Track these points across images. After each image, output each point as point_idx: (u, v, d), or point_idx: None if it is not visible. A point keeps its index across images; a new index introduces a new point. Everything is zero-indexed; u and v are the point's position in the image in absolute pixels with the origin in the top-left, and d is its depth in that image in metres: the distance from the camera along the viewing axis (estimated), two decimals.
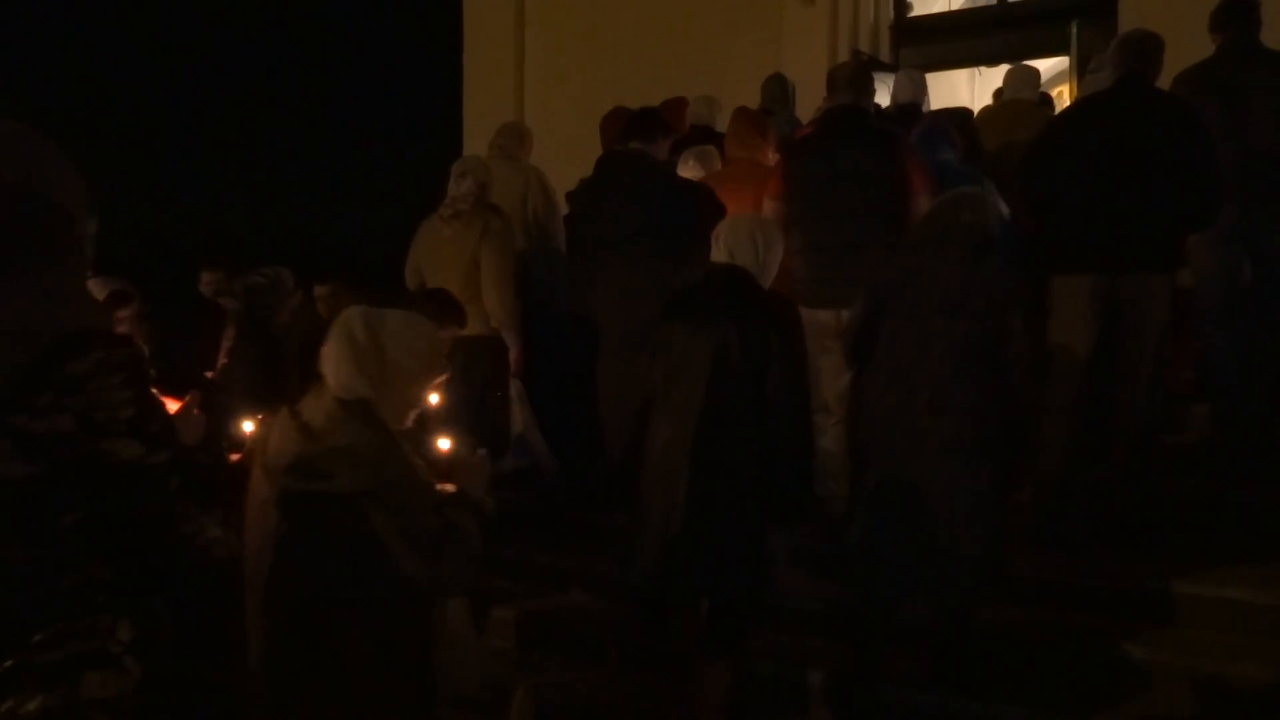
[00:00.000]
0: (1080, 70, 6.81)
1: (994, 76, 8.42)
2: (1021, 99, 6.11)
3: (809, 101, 6.92)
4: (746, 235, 3.62)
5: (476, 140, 10.31)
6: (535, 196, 5.55)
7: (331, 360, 2.37)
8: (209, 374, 4.60)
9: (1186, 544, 4.23)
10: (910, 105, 5.88)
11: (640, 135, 4.94)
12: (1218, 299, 4.71)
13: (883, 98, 7.98)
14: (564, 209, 5.61)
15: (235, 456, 3.15)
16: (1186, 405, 5.08)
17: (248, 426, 3.47)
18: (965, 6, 9.26)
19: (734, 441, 3.37)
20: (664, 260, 4.49)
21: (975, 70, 9.35)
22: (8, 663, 1.50)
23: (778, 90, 6.40)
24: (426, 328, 2.43)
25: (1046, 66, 9.23)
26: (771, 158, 4.98)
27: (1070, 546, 4.25)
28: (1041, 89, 6.85)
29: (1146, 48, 4.41)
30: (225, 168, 23.06)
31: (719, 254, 3.63)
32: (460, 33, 10.71)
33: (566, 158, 6.99)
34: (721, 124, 6.00)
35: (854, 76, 4.82)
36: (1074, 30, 7.24)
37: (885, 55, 8.78)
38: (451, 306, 4.20)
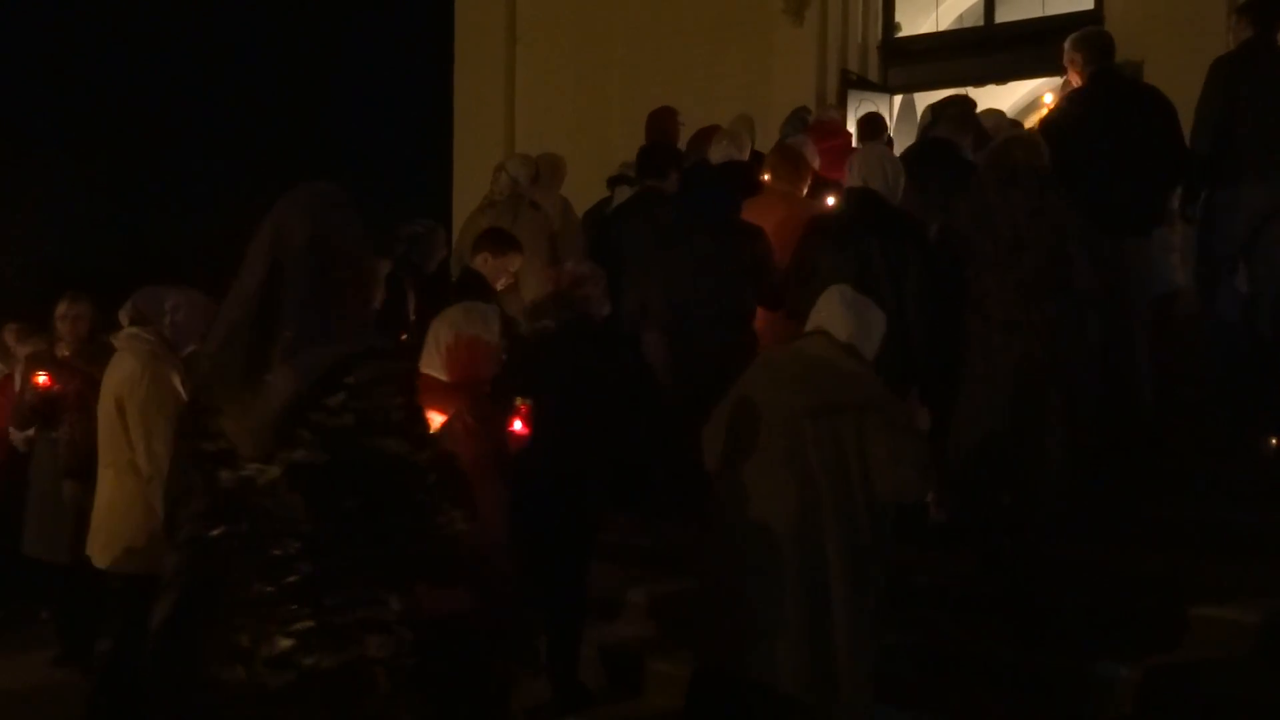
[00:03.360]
0: None
1: (981, 97, 8.47)
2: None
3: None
4: (877, 163, 4.21)
5: (467, 158, 10.34)
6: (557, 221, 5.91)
7: (833, 316, 3.24)
8: None
9: (1175, 564, 4.23)
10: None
11: (651, 173, 5.43)
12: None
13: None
14: None
15: None
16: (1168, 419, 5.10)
17: None
18: (952, 28, 9.34)
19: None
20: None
21: (963, 91, 9.42)
22: (309, 623, 1.84)
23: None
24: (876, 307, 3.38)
25: (1032, 87, 9.32)
26: (804, 190, 5.31)
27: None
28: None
29: (1107, 44, 4.96)
30: (213, 182, 23.07)
31: (854, 180, 4.20)
32: (451, 51, 10.75)
33: None
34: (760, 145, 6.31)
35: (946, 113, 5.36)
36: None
37: (873, 75, 8.84)
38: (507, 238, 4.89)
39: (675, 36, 9.13)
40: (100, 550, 4.04)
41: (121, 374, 3.98)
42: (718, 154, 5.62)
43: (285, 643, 1.85)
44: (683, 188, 5.22)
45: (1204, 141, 4.86)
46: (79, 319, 5.24)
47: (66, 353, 5.25)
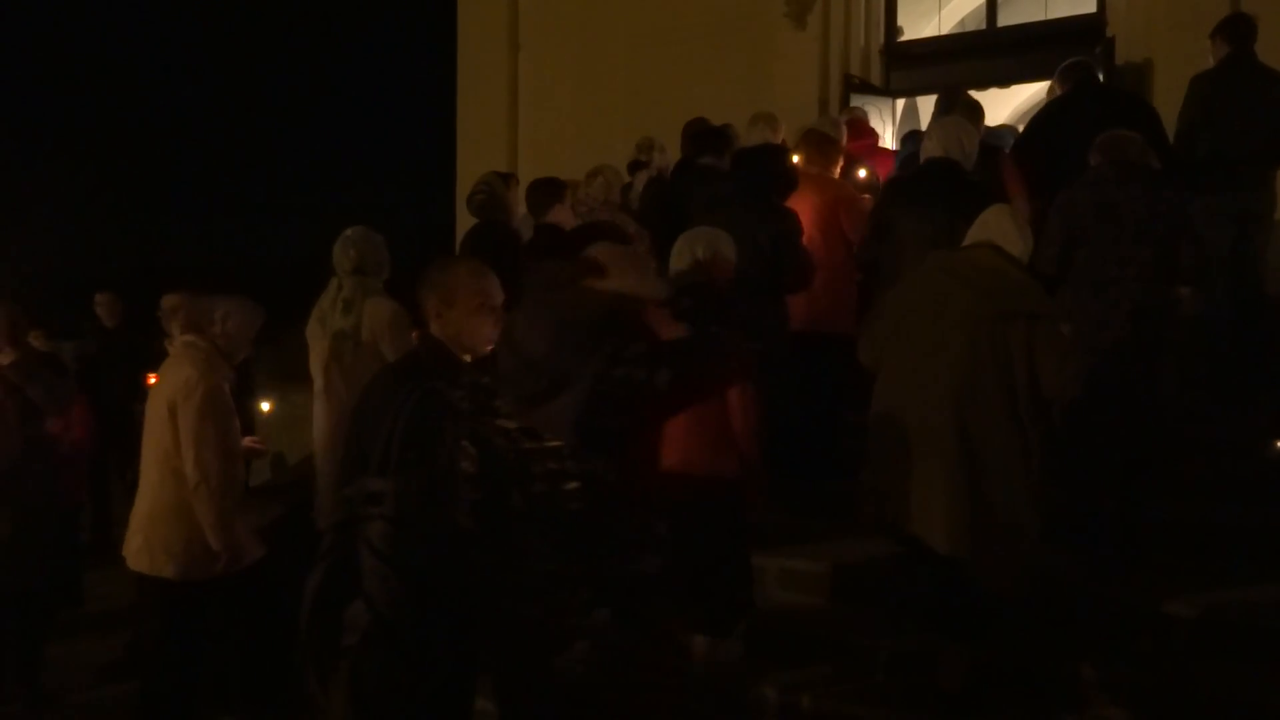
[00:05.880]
0: None
1: (983, 101, 8.48)
2: None
3: (798, 125, 6.97)
4: (954, 133, 4.59)
5: (470, 164, 10.35)
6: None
7: (1005, 232, 3.71)
8: None
9: (1172, 565, 4.24)
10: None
11: (711, 150, 5.82)
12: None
13: (875, 122, 8.07)
14: None
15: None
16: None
17: (265, 406, 4.14)
18: (955, 31, 9.34)
19: None
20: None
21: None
22: (605, 546, 2.30)
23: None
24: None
25: (1035, 90, 9.32)
26: (835, 173, 5.67)
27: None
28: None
29: (1086, 66, 5.50)
30: (216, 189, 23.09)
31: (933, 149, 4.61)
32: (454, 58, 10.78)
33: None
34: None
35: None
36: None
37: (876, 79, 8.85)
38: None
39: (677, 41, 9.14)
40: (135, 553, 4.05)
41: (177, 380, 4.00)
42: (753, 137, 5.91)
43: (588, 561, 2.32)
44: (732, 166, 5.55)
45: (1183, 153, 5.16)
46: None
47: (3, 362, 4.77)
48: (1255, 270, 5.32)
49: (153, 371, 4.85)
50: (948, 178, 4.51)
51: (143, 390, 4.97)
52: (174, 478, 3.97)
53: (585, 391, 2.27)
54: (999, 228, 3.76)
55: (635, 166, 6.57)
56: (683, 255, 3.74)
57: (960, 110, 5.61)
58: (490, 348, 2.78)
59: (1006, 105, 9.61)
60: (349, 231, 4.75)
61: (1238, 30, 5.39)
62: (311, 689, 2.46)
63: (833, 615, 4.38)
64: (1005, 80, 8.66)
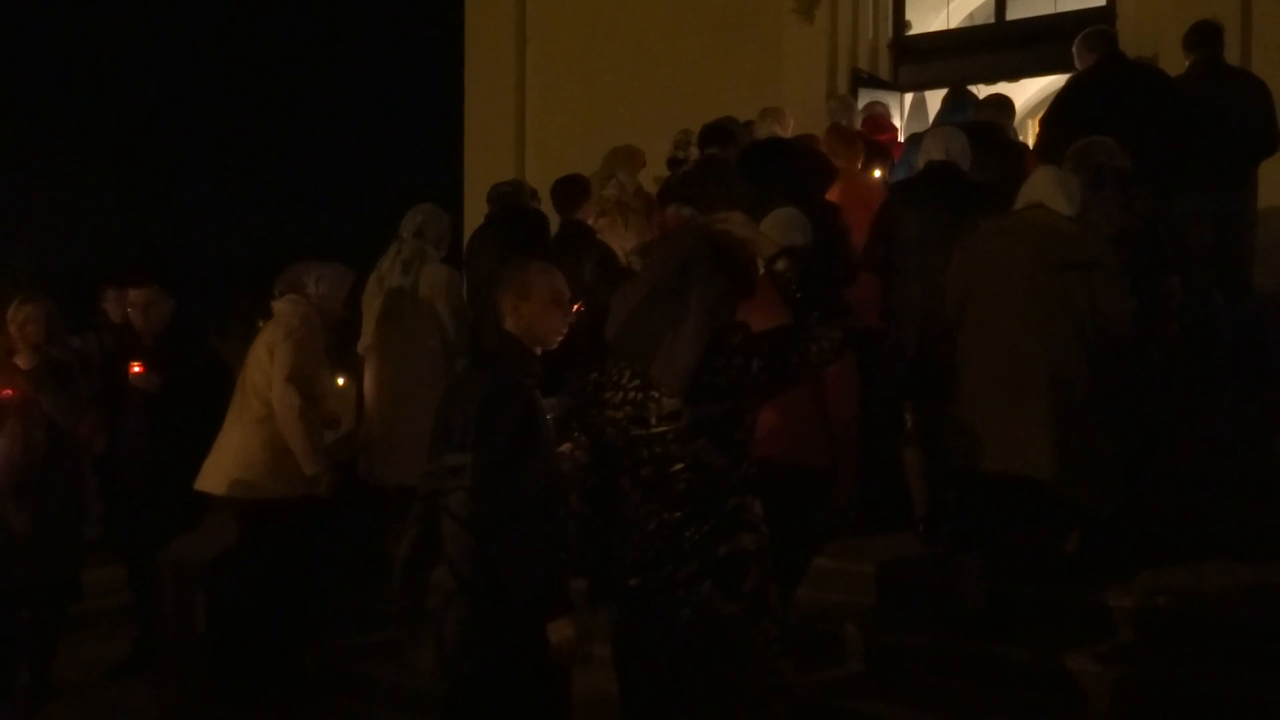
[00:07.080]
0: None
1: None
2: None
3: (807, 122, 6.97)
4: (955, 138, 4.75)
5: (477, 157, 10.37)
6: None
7: (1051, 192, 3.97)
8: None
9: (1174, 562, 4.23)
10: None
11: (715, 144, 5.86)
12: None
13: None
14: None
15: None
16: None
17: (340, 381, 5.21)
18: (963, 25, 9.31)
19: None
20: None
21: (974, 89, 9.39)
22: (708, 524, 2.51)
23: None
24: None
25: (1043, 85, 9.30)
26: (859, 164, 5.83)
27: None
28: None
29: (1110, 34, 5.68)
30: (223, 186, 23.14)
31: (936, 153, 4.71)
32: (461, 52, 10.77)
33: (565, 174, 7.02)
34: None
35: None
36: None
37: (884, 73, 8.83)
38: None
39: (685, 36, 9.12)
40: (206, 474, 4.55)
41: (279, 327, 4.50)
42: (762, 131, 5.97)
43: (692, 538, 2.51)
44: (740, 161, 5.51)
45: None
46: (29, 323, 4.73)
47: (26, 364, 4.71)
48: (1240, 269, 5.39)
49: (137, 361, 4.88)
50: (948, 179, 4.64)
51: (131, 386, 4.97)
52: (261, 406, 4.44)
53: (690, 380, 2.47)
54: (1045, 188, 4.00)
55: (674, 163, 6.60)
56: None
57: (989, 109, 5.80)
58: (560, 339, 3.11)
59: (1015, 100, 9.57)
60: (420, 205, 5.21)
61: (1206, 36, 5.53)
62: (404, 644, 3.01)
63: (845, 613, 4.35)
64: (1014, 74, 8.63)
